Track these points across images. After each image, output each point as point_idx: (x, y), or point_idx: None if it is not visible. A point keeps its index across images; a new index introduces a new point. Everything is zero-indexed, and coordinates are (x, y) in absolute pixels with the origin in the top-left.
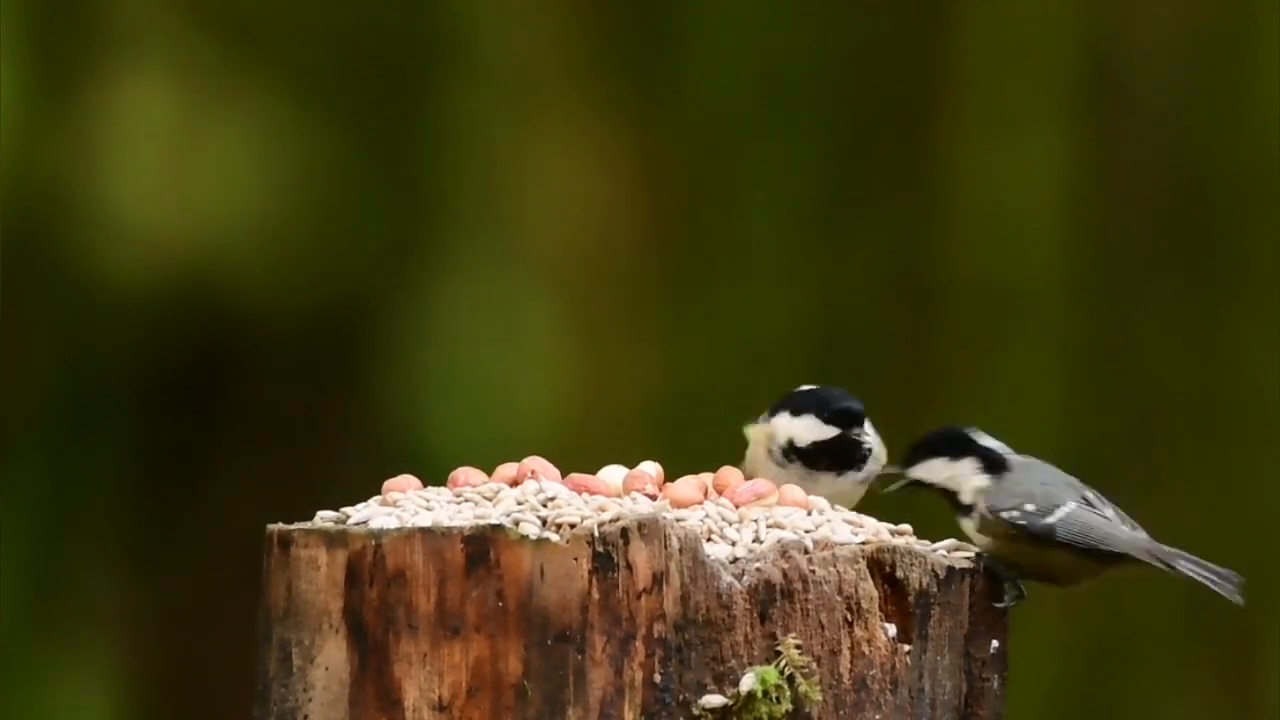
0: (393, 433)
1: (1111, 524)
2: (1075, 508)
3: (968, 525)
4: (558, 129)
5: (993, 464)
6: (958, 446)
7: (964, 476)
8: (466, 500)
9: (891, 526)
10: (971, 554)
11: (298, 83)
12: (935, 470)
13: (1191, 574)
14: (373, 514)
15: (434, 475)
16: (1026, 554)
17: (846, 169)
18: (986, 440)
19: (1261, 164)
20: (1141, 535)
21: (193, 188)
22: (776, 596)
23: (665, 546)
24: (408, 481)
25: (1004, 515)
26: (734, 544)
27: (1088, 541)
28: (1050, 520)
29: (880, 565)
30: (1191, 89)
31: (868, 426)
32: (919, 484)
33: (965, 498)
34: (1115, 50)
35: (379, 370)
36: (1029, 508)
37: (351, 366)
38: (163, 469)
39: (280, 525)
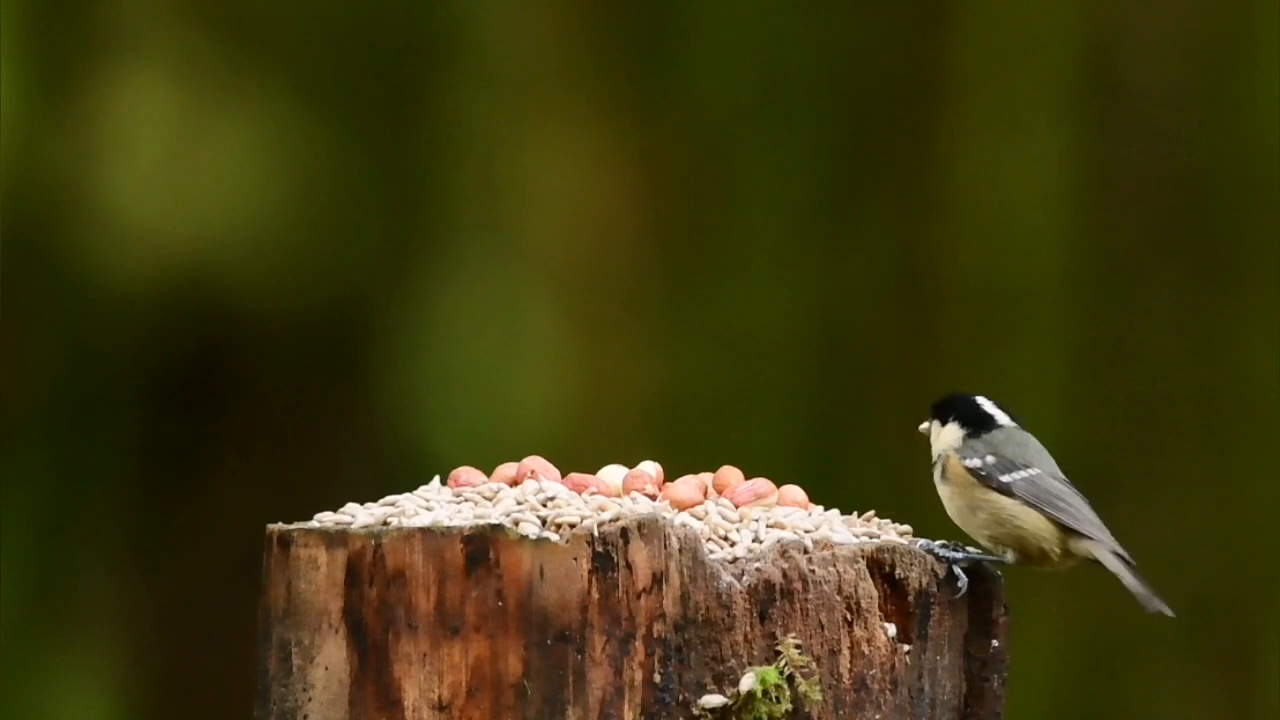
0: (393, 433)
1: (1076, 501)
2: (1040, 474)
3: (938, 480)
4: (558, 129)
5: (974, 423)
6: (947, 411)
7: (946, 437)
8: (466, 500)
9: (897, 527)
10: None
11: (298, 83)
12: (933, 433)
13: (1131, 584)
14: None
15: (433, 475)
16: (985, 508)
17: (846, 169)
18: (986, 406)
19: (1261, 164)
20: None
21: (193, 188)
22: (776, 596)
23: (665, 546)
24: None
25: (966, 463)
26: (734, 544)
27: (1045, 502)
28: (1008, 478)
29: (880, 565)
30: (1191, 89)
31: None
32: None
33: (935, 451)
34: (1115, 50)
35: (379, 370)
36: (990, 459)
37: (351, 366)
38: (163, 468)
39: (280, 525)
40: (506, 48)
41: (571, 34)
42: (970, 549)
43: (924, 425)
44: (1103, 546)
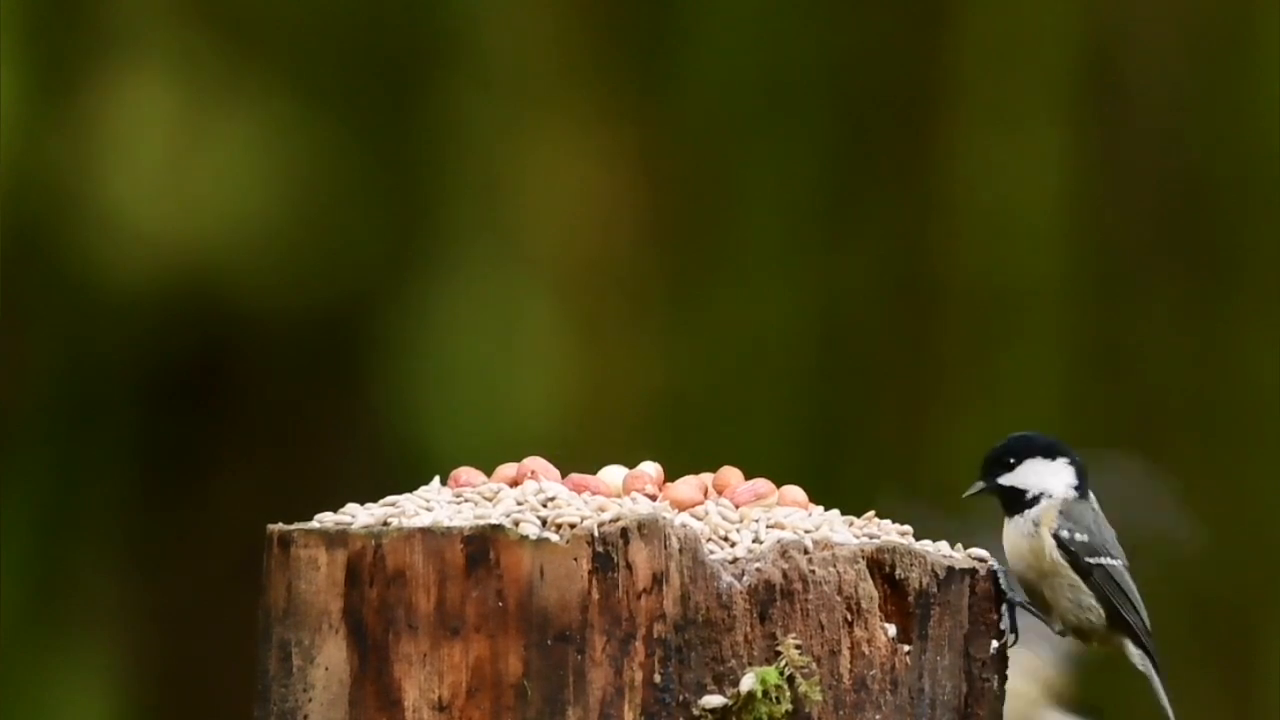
0: (393, 433)
1: (1143, 610)
2: (1119, 567)
3: (1024, 525)
4: (558, 129)
5: (1082, 485)
6: (1059, 452)
7: (1056, 483)
8: (466, 500)
9: (898, 527)
10: (982, 555)
11: (298, 83)
12: (1028, 474)
13: (1163, 702)
14: (378, 515)
15: (433, 475)
16: (1055, 578)
17: (846, 169)
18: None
19: (1261, 164)
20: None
21: (193, 187)
22: (776, 597)
23: (665, 547)
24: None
25: (1059, 533)
26: (734, 544)
27: (1118, 600)
28: (1092, 560)
29: (880, 565)
30: (1191, 89)
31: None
32: (1001, 490)
33: (1036, 490)
34: (1115, 50)
35: (379, 370)
36: (1079, 536)
37: (351, 366)
38: (163, 469)
39: (280, 525)
40: (506, 48)
41: (571, 34)
42: (1025, 600)
43: (973, 488)
44: (1148, 661)
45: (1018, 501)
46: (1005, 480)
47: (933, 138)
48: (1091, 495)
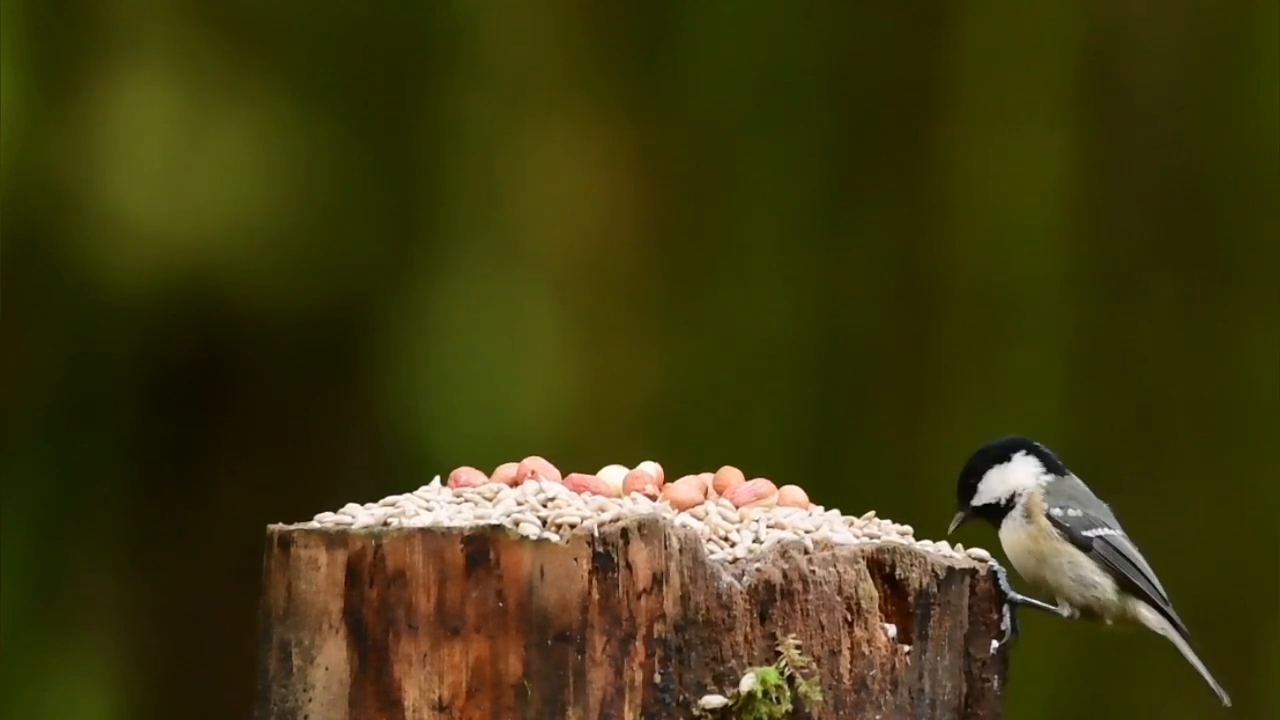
0: (393, 433)
1: (1148, 570)
2: (1117, 535)
3: (1014, 521)
4: (558, 129)
5: (1053, 466)
6: (1017, 448)
7: (1020, 475)
8: (466, 500)
9: (897, 527)
10: (982, 555)
11: (298, 82)
12: (993, 484)
13: (1194, 662)
14: (378, 515)
15: (433, 475)
16: (1056, 560)
17: (846, 169)
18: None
19: (1261, 164)
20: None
21: (193, 188)
22: (776, 597)
23: (665, 547)
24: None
25: (1051, 512)
26: (734, 544)
27: (1123, 565)
28: (1089, 533)
29: (880, 565)
30: (1191, 89)
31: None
32: (980, 510)
33: (1005, 491)
34: (1115, 50)
35: (379, 370)
36: (1072, 512)
37: (351, 366)
38: (163, 469)
39: (280, 525)
40: (506, 48)
41: (571, 34)
42: (1027, 595)
43: (955, 521)
44: (1168, 624)
45: (1001, 512)
46: (977, 501)
47: (933, 138)
48: (1071, 474)
